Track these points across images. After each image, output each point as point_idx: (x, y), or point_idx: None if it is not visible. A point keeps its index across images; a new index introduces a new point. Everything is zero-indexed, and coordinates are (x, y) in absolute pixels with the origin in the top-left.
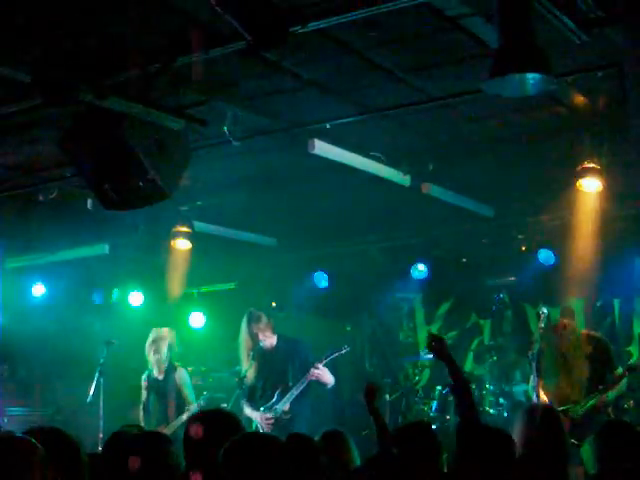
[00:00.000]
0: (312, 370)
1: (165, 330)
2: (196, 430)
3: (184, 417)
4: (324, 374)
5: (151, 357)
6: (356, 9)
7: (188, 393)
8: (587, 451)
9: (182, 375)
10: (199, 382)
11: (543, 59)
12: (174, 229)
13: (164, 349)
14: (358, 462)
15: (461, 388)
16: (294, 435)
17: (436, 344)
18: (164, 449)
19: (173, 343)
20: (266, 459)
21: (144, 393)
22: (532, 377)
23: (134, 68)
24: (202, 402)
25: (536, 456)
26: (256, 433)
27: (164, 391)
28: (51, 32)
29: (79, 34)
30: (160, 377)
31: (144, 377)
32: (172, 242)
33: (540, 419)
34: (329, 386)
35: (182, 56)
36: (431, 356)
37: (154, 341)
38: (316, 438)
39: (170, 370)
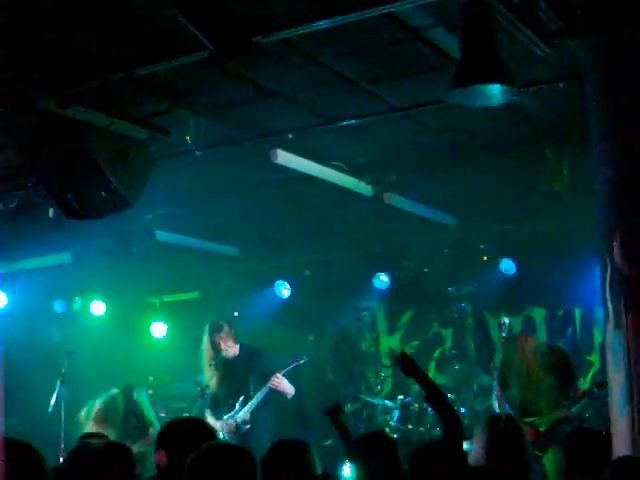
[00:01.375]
0: (271, 379)
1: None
2: (160, 458)
3: (148, 437)
4: (283, 384)
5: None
6: (320, 19)
7: (147, 414)
8: (550, 460)
9: (141, 397)
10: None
11: (505, 70)
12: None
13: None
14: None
15: (438, 397)
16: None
17: (406, 363)
18: (130, 462)
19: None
20: (231, 469)
21: None
22: (494, 386)
23: (97, 77)
24: (164, 414)
25: (497, 467)
26: (222, 443)
27: (128, 413)
28: (13, 40)
29: (42, 43)
30: None
31: None
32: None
33: (502, 429)
34: (289, 396)
35: (145, 65)
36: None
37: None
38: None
39: (129, 396)
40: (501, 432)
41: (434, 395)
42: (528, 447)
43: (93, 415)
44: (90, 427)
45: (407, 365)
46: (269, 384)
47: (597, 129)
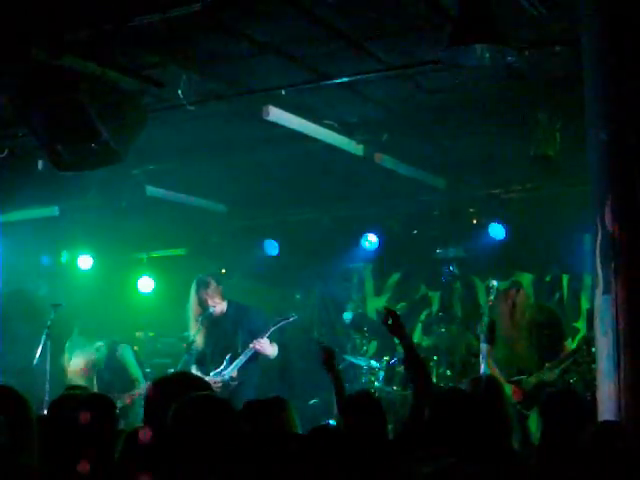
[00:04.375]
0: (254, 342)
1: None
2: (151, 391)
3: (131, 394)
4: (265, 346)
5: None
6: None
7: (133, 371)
8: (534, 421)
9: (123, 353)
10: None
11: (501, 30)
12: None
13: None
14: (299, 430)
15: (416, 364)
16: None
17: (393, 320)
18: (111, 411)
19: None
20: (216, 419)
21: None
22: (482, 347)
23: (89, 27)
24: (149, 370)
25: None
26: (206, 394)
27: (111, 367)
28: None
29: None
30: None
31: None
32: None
33: (483, 389)
34: (271, 357)
35: (138, 16)
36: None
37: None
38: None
39: (110, 350)
40: (483, 392)
41: (413, 360)
42: (509, 406)
43: (75, 368)
44: (70, 379)
45: (393, 323)
46: (251, 346)
47: (592, 92)
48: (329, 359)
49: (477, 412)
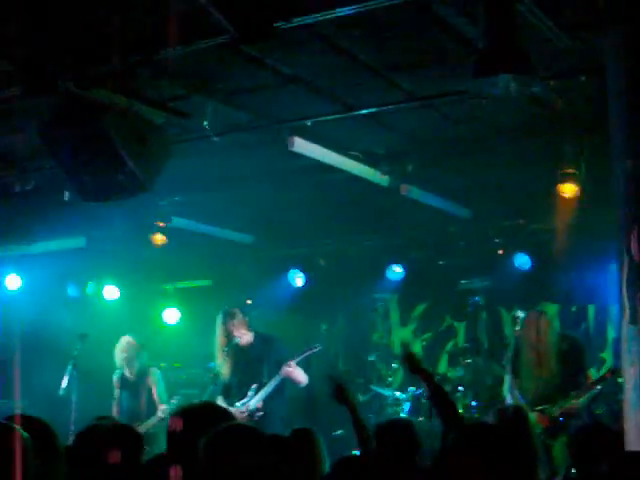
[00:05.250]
0: (284, 368)
1: (130, 340)
2: (175, 423)
3: (156, 418)
4: (296, 372)
5: (121, 363)
6: (342, 5)
7: (160, 394)
8: (559, 451)
9: (154, 376)
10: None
11: (526, 61)
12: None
13: (133, 360)
14: (326, 461)
15: (441, 399)
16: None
17: (409, 361)
18: (139, 443)
19: (141, 349)
20: (248, 449)
21: (117, 391)
22: (506, 377)
23: (116, 59)
24: (175, 401)
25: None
26: (239, 424)
27: (136, 390)
28: (33, 21)
29: (61, 24)
30: (132, 378)
31: (116, 376)
32: (150, 236)
33: (510, 420)
34: (302, 384)
35: (164, 48)
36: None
37: (123, 352)
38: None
39: (142, 371)
40: (510, 422)
41: (437, 395)
42: (535, 436)
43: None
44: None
45: (413, 364)
46: (282, 372)
47: (617, 122)
48: (340, 392)
49: (504, 444)
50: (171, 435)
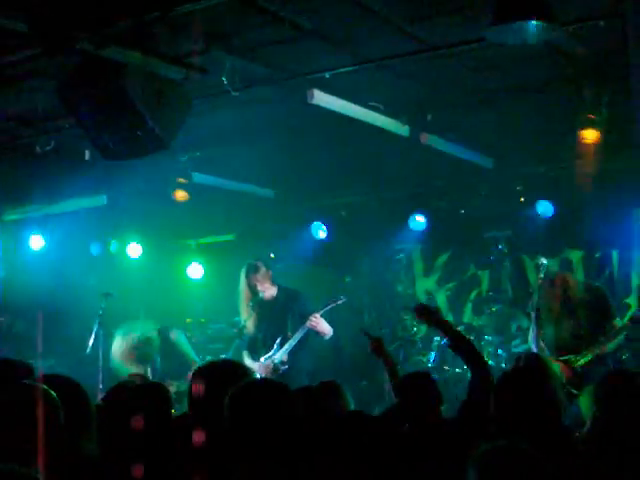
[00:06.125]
0: (309, 319)
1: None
2: (197, 388)
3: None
4: (321, 324)
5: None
6: None
7: (187, 352)
8: (585, 400)
9: (178, 337)
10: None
11: (545, 7)
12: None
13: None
14: None
15: (464, 347)
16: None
17: (425, 314)
18: (167, 403)
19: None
20: (273, 403)
21: None
22: (531, 327)
23: (132, 16)
24: (201, 358)
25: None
26: (263, 379)
27: (163, 351)
28: None
29: None
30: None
31: None
32: (172, 192)
33: (523, 366)
34: (327, 336)
35: (181, 4)
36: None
37: (134, 350)
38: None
39: (163, 338)
40: (521, 369)
41: (459, 343)
42: (553, 383)
43: (127, 354)
44: (124, 365)
45: (427, 317)
46: (307, 324)
47: (638, 67)
48: (377, 347)
49: (517, 389)
50: (194, 398)
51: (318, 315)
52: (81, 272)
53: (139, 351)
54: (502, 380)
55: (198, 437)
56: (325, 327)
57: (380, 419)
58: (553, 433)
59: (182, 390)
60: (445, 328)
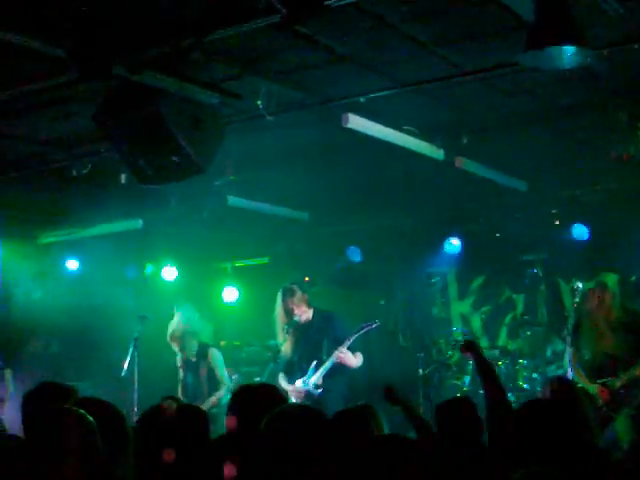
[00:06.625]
0: (335, 354)
1: (180, 324)
2: (230, 424)
3: (217, 395)
4: (347, 358)
5: (177, 349)
6: None
7: (221, 373)
8: (622, 423)
9: (214, 355)
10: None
11: (579, 32)
12: None
13: (188, 344)
14: None
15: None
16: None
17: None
18: (205, 423)
19: (196, 329)
20: (307, 430)
21: (180, 371)
22: (568, 351)
23: (168, 42)
24: (235, 377)
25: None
26: (298, 405)
27: (197, 371)
28: (85, 7)
29: (113, 8)
30: (193, 359)
31: (179, 357)
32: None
33: (555, 391)
34: (354, 367)
35: (216, 30)
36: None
37: (176, 339)
38: None
39: (202, 351)
40: (552, 392)
41: (483, 371)
42: (585, 407)
43: (177, 335)
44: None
45: (472, 352)
46: (334, 358)
47: None
48: (389, 393)
49: (548, 415)
50: (229, 430)
51: (344, 349)
52: (116, 295)
53: (184, 341)
54: (529, 409)
55: (229, 471)
56: (352, 361)
57: (417, 443)
58: (588, 457)
59: (213, 411)
60: (482, 369)
